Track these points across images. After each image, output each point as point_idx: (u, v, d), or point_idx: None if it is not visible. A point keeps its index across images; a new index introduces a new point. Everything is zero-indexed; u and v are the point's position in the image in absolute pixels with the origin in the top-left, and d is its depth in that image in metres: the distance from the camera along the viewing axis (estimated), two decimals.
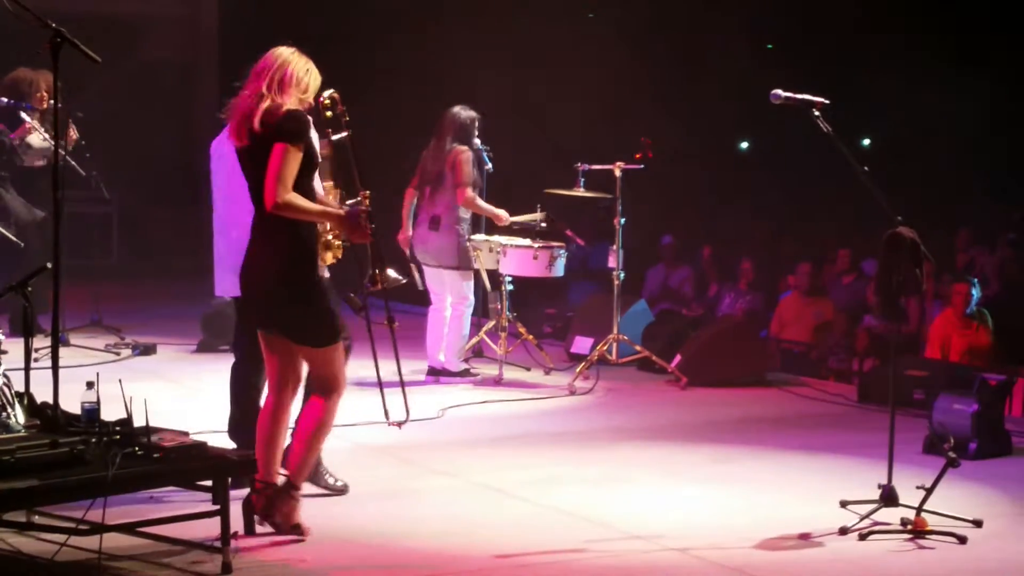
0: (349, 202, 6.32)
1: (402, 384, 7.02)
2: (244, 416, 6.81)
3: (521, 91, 17.12)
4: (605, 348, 10.86)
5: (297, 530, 6.16)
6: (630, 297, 11.97)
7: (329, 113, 6.53)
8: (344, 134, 6.70)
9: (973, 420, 8.28)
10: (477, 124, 10.58)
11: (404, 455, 7.96)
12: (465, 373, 10.73)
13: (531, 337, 11.23)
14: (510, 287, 10.95)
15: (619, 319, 10.91)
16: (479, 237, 10.92)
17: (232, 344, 7.45)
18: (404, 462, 7.84)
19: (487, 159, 10.75)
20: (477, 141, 10.62)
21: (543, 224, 10.93)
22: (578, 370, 10.72)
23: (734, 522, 6.76)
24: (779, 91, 6.85)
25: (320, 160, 6.19)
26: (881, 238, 6.84)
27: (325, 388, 6.15)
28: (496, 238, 10.92)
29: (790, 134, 15.39)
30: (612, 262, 10.94)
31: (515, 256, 10.71)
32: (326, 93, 6.45)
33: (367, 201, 6.26)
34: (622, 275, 10.88)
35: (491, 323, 11.19)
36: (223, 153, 6.85)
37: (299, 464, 6.19)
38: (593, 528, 6.63)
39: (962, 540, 6.38)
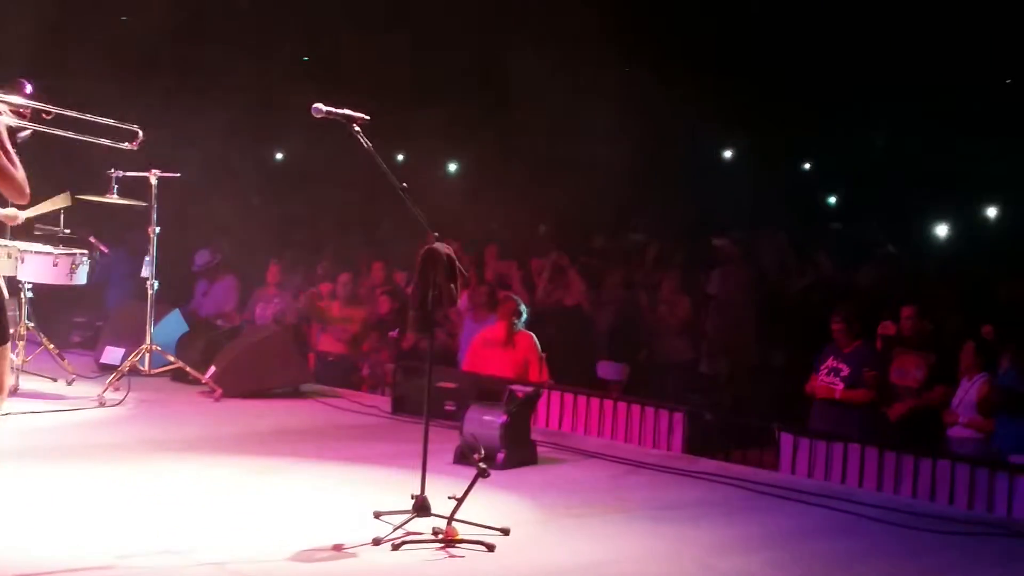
0: None
1: None
2: None
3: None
4: (137, 358, 10.60)
5: None
6: (164, 306, 11.73)
7: None
8: None
9: (502, 431, 8.58)
10: None
11: None
12: None
13: (52, 346, 10.83)
14: (29, 294, 10.53)
15: (152, 328, 10.67)
16: None
17: None
18: None
19: None
20: None
21: (67, 231, 10.60)
22: (108, 381, 10.42)
23: (270, 534, 6.71)
24: (320, 105, 6.87)
25: None
26: (417, 253, 6.97)
27: None
28: (15, 243, 10.45)
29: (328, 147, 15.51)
30: (146, 271, 10.70)
31: (34, 262, 10.32)
32: None
33: None
34: (156, 284, 10.65)
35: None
36: None
37: None
38: (125, 542, 6.42)
39: (491, 548, 6.57)
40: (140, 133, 9.25)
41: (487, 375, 10.91)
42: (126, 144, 9.22)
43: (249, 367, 10.99)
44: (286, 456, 8.68)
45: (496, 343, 11.63)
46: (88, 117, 9.07)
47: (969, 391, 10.01)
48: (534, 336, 11.66)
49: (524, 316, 11.67)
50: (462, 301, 12.36)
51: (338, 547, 6.49)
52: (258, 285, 15.57)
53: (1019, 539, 7.44)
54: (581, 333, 12.78)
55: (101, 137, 9.23)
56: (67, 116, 8.80)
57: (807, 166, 23.85)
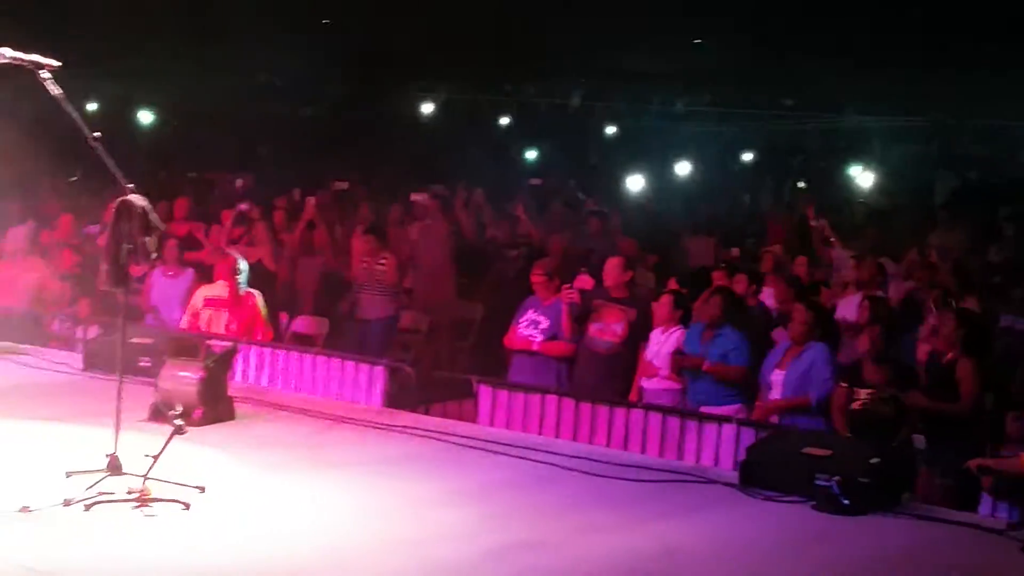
0: None
1: None
2: None
3: None
4: None
5: None
6: None
7: None
8: None
9: (199, 386, 8.38)
10: None
11: None
12: None
13: None
14: None
15: None
16: None
17: None
18: None
19: None
20: None
21: None
22: None
23: None
24: (5, 49, 6.56)
25: None
26: (109, 205, 6.76)
27: None
28: None
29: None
30: None
31: None
32: None
33: None
34: None
35: None
36: None
37: None
38: None
39: (187, 506, 6.43)
40: None
41: (201, 334, 10.62)
42: None
43: None
44: None
45: (222, 303, 11.26)
46: None
47: (664, 344, 10.27)
48: (259, 294, 11.36)
49: (245, 272, 11.29)
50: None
51: (25, 509, 6.23)
52: None
53: (709, 485, 7.67)
54: (265, 289, 12.30)
55: None
56: None
57: (505, 121, 24.14)
